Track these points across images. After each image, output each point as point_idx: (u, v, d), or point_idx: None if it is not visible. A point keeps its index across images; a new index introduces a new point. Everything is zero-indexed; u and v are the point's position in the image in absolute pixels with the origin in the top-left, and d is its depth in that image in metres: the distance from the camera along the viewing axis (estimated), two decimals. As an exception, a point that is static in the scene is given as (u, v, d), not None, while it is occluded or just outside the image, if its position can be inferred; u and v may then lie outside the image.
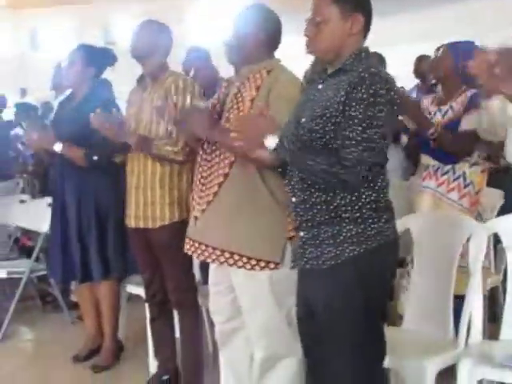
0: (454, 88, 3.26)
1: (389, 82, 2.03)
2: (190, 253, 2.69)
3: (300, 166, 2.09)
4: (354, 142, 1.96)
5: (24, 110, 5.85)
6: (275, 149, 2.09)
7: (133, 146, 2.99)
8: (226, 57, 2.63)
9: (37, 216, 4.35)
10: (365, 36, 2.16)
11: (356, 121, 1.96)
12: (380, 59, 4.35)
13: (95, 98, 3.51)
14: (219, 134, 2.43)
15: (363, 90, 1.97)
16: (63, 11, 12.97)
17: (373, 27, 2.17)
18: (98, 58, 3.59)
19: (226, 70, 4.83)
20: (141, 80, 3.17)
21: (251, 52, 2.55)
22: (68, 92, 3.84)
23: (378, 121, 1.97)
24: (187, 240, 2.69)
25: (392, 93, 2.02)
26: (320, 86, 2.16)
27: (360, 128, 1.96)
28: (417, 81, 5.55)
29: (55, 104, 4.36)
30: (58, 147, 3.37)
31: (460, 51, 3.17)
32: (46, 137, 3.42)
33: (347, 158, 1.96)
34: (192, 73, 4.24)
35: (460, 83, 3.22)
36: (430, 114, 3.29)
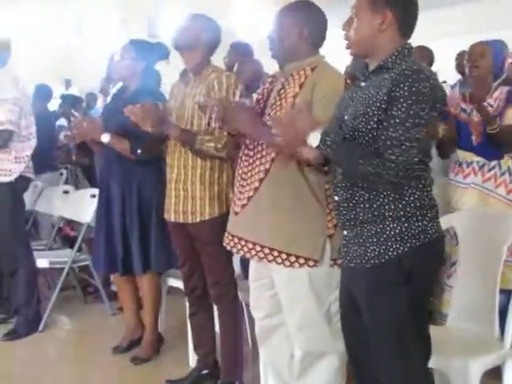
0: (487, 85, 3.24)
1: (432, 78, 1.99)
2: (229, 247, 2.69)
3: (342, 165, 2.07)
4: (396, 142, 1.92)
5: (70, 101, 5.91)
6: (318, 146, 2.06)
7: (175, 138, 2.99)
8: (269, 52, 2.60)
9: (80, 207, 4.42)
10: (404, 33, 2.11)
11: (398, 120, 1.93)
12: (428, 53, 4.29)
13: (145, 90, 3.53)
14: (263, 130, 2.40)
15: (405, 88, 1.93)
16: (108, 4, 13.08)
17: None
18: (148, 52, 3.60)
19: (269, 65, 4.85)
20: (183, 74, 3.16)
21: (294, 48, 2.53)
22: (120, 84, 3.86)
23: (420, 119, 1.93)
24: (227, 235, 2.69)
25: (436, 90, 1.98)
26: (362, 84, 2.14)
27: (403, 127, 1.92)
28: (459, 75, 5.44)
29: (109, 95, 4.40)
30: (105, 138, 3.40)
31: (499, 49, 3.22)
32: (95, 127, 3.45)
33: (390, 158, 1.92)
34: (236, 67, 4.24)
35: (492, 80, 3.24)
36: (464, 110, 3.26)
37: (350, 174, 2.06)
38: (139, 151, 3.38)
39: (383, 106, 1.97)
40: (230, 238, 2.67)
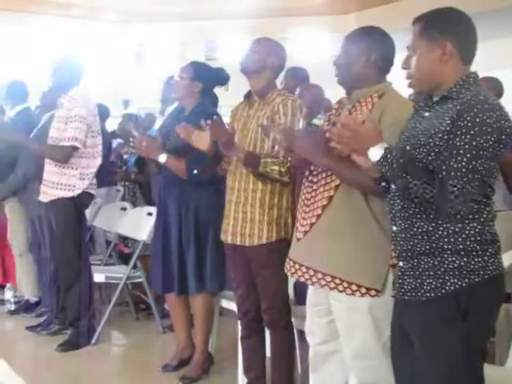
0: None
1: (498, 109, 1.94)
2: (289, 274, 2.67)
3: (401, 186, 2.01)
4: (458, 174, 1.88)
5: (130, 120, 6.01)
6: (378, 161, 2.01)
7: (239, 160, 2.99)
8: (335, 77, 2.58)
9: (136, 224, 4.47)
10: (467, 59, 2.08)
11: (461, 151, 1.88)
12: (496, 84, 4.21)
13: (202, 111, 3.56)
14: (331, 159, 2.38)
15: (469, 118, 1.89)
16: (168, 27, 13.33)
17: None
18: (206, 74, 3.64)
19: (326, 90, 4.85)
20: (248, 96, 3.17)
21: (361, 74, 2.51)
22: (176, 104, 3.91)
23: (484, 151, 1.88)
24: (288, 260, 2.66)
25: (502, 121, 1.92)
26: (426, 114, 2.10)
27: (465, 158, 1.88)
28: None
29: (165, 115, 4.46)
30: (162, 158, 3.42)
31: None
32: (154, 146, 3.47)
33: (451, 189, 1.88)
34: (298, 91, 4.25)
35: None
36: None
37: (408, 196, 2.00)
38: (195, 171, 3.40)
39: (445, 137, 1.93)
40: (292, 264, 2.64)
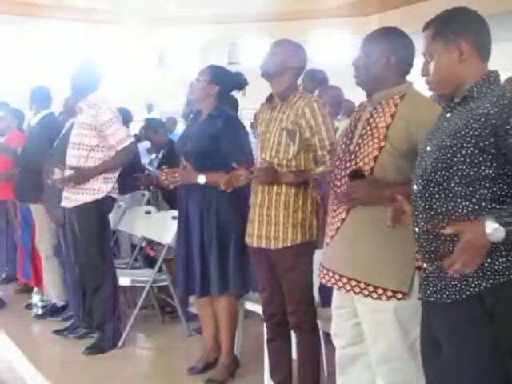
0: None
1: None
2: (318, 279, 2.66)
3: None
4: None
5: (153, 125, 6.03)
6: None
7: (292, 183, 2.98)
8: (354, 78, 2.55)
9: (161, 228, 4.48)
10: (484, 56, 2.05)
11: None
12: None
13: (219, 115, 3.59)
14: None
15: None
16: (190, 31, 13.39)
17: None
18: (223, 77, 3.64)
19: (347, 92, 4.83)
20: (269, 99, 3.17)
21: (381, 76, 2.48)
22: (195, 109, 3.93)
23: None
24: (319, 265, 2.66)
25: None
26: (448, 115, 2.07)
27: None
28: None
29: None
30: (201, 179, 3.44)
31: None
32: (188, 174, 3.50)
33: None
34: (316, 93, 4.24)
35: None
36: None
37: None
38: None
39: (476, 142, 1.90)
40: (321, 269, 2.63)
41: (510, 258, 1.94)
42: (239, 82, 3.67)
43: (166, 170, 3.57)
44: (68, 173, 4.20)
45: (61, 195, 4.31)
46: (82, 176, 4.14)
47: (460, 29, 2.03)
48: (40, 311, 5.00)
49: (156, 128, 5.91)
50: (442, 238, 1.99)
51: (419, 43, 2.57)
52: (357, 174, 2.42)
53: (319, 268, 2.65)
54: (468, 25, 2.05)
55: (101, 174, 4.14)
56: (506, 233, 1.77)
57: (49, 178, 4.39)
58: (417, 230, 2.10)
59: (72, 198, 4.19)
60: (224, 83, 3.62)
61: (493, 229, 1.77)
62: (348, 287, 2.49)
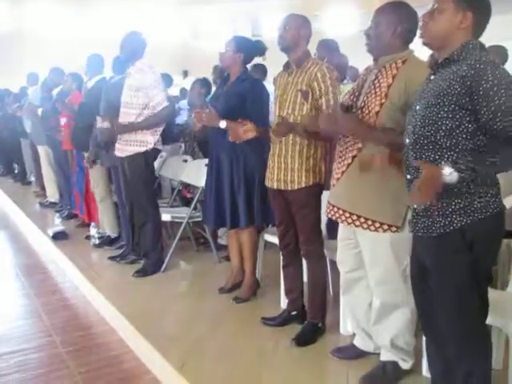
0: None
1: (503, 67, 1.88)
2: (326, 214, 2.67)
3: (485, 173, 1.93)
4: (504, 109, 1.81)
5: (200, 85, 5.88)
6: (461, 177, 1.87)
7: (302, 137, 2.94)
8: (365, 46, 2.51)
9: (196, 173, 4.48)
10: (475, 34, 1.99)
11: (503, 107, 1.81)
12: (503, 51, 4.04)
13: (246, 78, 3.56)
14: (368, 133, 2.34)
15: (490, 78, 1.82)
16: (220, 7, 13.15)
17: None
18: (246, 46, 3.59)
19: (354, 59, 4.73)
20: (287, 66, 3.12)
21: (389, 44, 2.44)
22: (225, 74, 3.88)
23: None
24: (327, 203, 2.66)
25: (510, 75, 1.86)
26: (432, 77, 2.04)
27: (504, 96, 1.80)
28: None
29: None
30: (222, 124, 3.40)
31: None
32: (212, 116, 3.46)
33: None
34: (325, 60, 4.15)
35: None
36: None
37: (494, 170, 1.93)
38: None
39: (457, 99, 1.87)
40: (328, 205, 2.64)
41: (487, 198, 1.94)
42: (260, 49, 3.61)
43: (196, 110, 3.57)
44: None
45: (108, 144, 4.31)
46: (123, 129, 4.13)
47: (474, 3, 1.97)
48: (97, 241, 5.06)
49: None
50: None
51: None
52: (348, 111, 2.47)
53: (326, 205, 2.66)
54: (480, 3, 1.99)
55: (143, 129, 4.10)
56: (458, 176, 1.82)
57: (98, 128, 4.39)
58: (408, 177, 2.10)
59: (124, 149, 4.19)
60: (247, 51, 3.57)
61: (449, 172, 1.82)
62: (350, 221, 2.51)
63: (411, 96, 2.26)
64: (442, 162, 1.90)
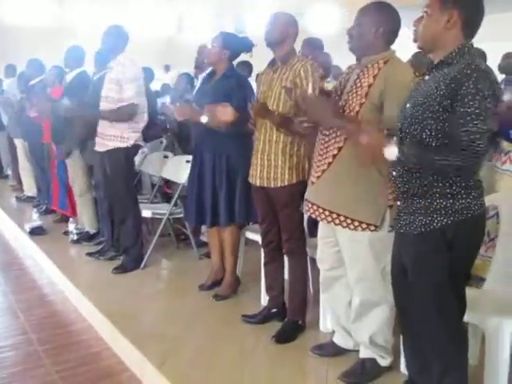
0: None
1: (491, 75, 1.92)
2: (304, 212, 2.70)
3: (425, 167, 2.00)
4: (481, 134, 1.84)
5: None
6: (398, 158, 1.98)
7: (275, 125, 2.97)
8: (348, 44, 2.54)
9: (177, 169, 4.49)
10: (467, 33, 2.02)
11: (474, 116, 1.84)
12: (481, 54, 4.13)
13: (232, 75, 3.57)
14: (342, 124, 2.37)
15: (471, 85, 1.86)
16: (204, 2, 13.10)
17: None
18: (233, 43, 3.60)
19: (337, 58, 4.77)
20: (272, 63, 3.15)
21: (371, 43, 2.47)
22: (209, 70, 3.89)
23: (487, 112, 1.86)
24: (305, 201, 2.70)
25: (494, 85, 1.90)
26: (426, 77, 2.09)
27: (481, 119, 1.84)
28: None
29: (199, 80, 4.43)
30: (204, 119, 3.43)
31: None
32: (194, 111, 3.48)
33: (476, 149, 1.84)
34: (309, 58, 4.18)
35: None
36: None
37: (430, 169, 1.99)
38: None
39: (441, 100, 1.92)
40: (306, 203, 2.68)
41: (468, 200, 1.99)
42: (247, 45, 3.63)
43: (177, 105, 3.58)
44: (103, 122, 4.16)
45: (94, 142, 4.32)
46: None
47: (459, 1, 1.99)
48: (75, 237, 5.03)
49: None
50: (413, 181, 2.04)
51: (405, 17, 2.56)
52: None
53: (305, 203, 2.69)
54: (466, 2, 2.01)
55: (103, 119, 4.13)
56: (396, 157, 1.96)
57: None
58: (394, 173, 2.14)
59: (105, 144, 4.19)
60: (234, 47, 3.59)
61: (390, 149, 1.96)
62: (329, 219, 2.54)
63: (387, 96, 2.31)
64: (394, 139, 2.02)
